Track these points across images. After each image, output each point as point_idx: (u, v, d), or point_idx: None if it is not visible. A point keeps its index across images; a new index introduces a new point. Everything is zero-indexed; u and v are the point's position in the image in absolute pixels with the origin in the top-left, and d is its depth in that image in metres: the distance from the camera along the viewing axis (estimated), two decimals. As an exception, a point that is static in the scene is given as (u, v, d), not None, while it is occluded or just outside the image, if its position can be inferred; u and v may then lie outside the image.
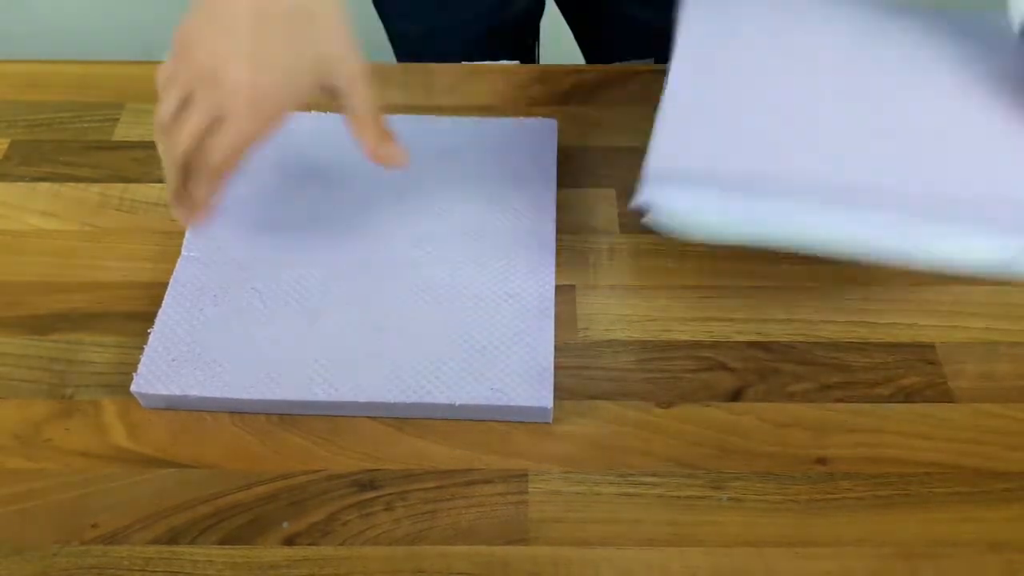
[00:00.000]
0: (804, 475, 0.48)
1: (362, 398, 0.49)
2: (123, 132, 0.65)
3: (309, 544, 0.45)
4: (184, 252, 0.55)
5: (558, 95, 0.68)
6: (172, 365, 0.50)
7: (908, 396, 0.51)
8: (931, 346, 0.53)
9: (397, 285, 0.54)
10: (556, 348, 0.53)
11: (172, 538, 0.45)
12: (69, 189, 0.61)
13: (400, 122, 0.53)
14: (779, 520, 0.46)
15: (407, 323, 0.52)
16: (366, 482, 0.47)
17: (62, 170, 0.63)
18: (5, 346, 0.53)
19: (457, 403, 0.49)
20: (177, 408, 0.50)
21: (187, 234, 0.56)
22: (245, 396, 0.49)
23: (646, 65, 0.71)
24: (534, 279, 0.54)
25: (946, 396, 0.51)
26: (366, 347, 0.51)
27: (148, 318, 0.54)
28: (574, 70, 0.70)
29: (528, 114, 0.67)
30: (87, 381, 0.51)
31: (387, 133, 0.48)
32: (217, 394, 0.49)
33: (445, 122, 0.63)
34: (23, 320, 0.54)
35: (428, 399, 0.49)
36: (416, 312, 0.52)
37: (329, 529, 0.46)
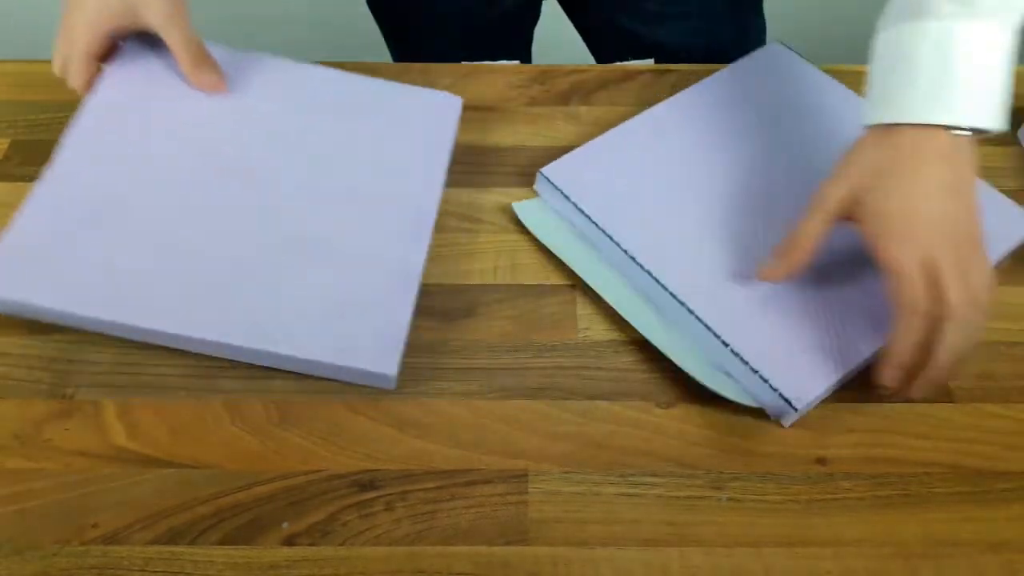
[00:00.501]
0: (804, 475, 0.48)
1: (210, 336, 0.49)
2: (123, 132, 0.65)
3: (309, 544, 0.45)
4: (69, 146, 0.55)
5: (558, 95, 0.68)
6: (22, 268, 0.49)
7: (908, 396, 0.51)
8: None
9: (268, 231, 0.53)
10: (555, 348, 0.53)
11: (172, 538, 0.45)
12: (69, 189, 0.61)
13: (311, 72, 0.62)
14: (779, 520, 0.46)
15: (270, 270, 0.51)
16: (366, 482, 0.47)
17: (62, 170, 0.62)
18: (5, 346, 0.53)
19: (301, 356, 0.48)
20: (18, 315, 0.50)
21: (79, 125, 0.56)
22: (89, 314, 0.48)
23: (646, 65, 0.71)
24: (405, 246, 0.54)
25: (946, 396, 0.51)
26: (224, 287, 0.50)
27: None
28: (574, 70, 0.70)
29: (528, 113, 0.67)
30: (87, 381, 0.51)
31: (206, 63, 0.59)
32: (61, 307, 0.48)
33: (355, 80, 0.63)
34: (23, 320, 0.54)
35: (272, 348, 0.48)
36: (281, 261, 0.52)
37: (329, 529, 0.46)
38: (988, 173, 0.63)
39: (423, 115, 0.61)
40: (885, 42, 0.49)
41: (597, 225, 0.55)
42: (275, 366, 0.50)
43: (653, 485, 0.48)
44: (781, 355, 0.49)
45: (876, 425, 0.50)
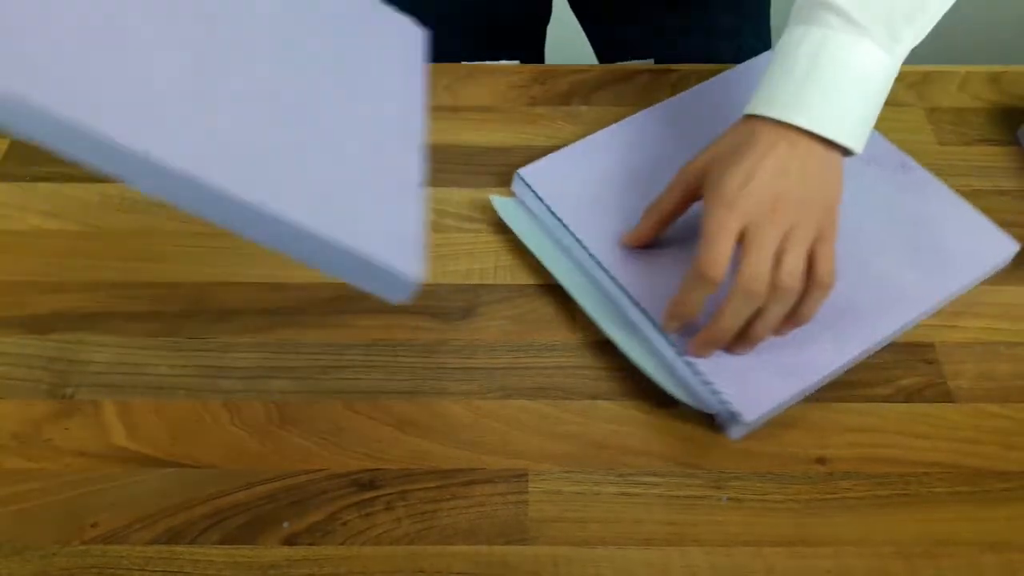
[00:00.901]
0: (804, 475, 0.48)
1: (203, 176, 0.36)
2: (123, 132, 0.65)
3: (309, 544, 0.45)
4: None
5: (558, 95, 0.68)
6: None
7: (908, 396, 0.51)
8: (931, 346, 0.53)
9: (267, 81, 0.43)
10: (555, 348, 0.53)
11: (172, 538, 0.45)
12: (69, 189, 0.61)
13: None
14: (779, 520, 0.46)
15: (290, 114, 0.42)
16: (366, 482, 0.47)
17: (62, 170, 0.63)
18: (5, 346, 0.53)
19: (314, 230, 0.38)
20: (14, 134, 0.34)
21: None
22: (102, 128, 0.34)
23: (646, 65, 0.71)
24: (401, 137, 0.46)
25: (946, 396, 0.51)
26: (242, 124, 0.40)
27: (148, 318, 0.54)
28: (574, 70, 0.70)
29: (528, 113, 0.67)
30: (87, 381, 0.51)
31: None
32: (83, 117, 0.34)
33: None
34: (23, 320, 0.54)
35: (274, 208, 0.37)
36: (284, 112, 0.42)
37: (329, 529, 0.46)
38: (988, 173, 0.63)
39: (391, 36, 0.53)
40: (780, 42, 0.50)
41: (567, 228, 0.56)
42: (268, 241, 0.39)
43: (653, 485, 0.48)
44: (735, 367, 0.49)
45: (876, 425, 0.50)
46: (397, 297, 0.41)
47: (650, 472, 0.48)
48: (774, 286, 0.46)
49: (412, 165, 0.45)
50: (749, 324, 0.48)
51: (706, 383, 0.49)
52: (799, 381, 0.49)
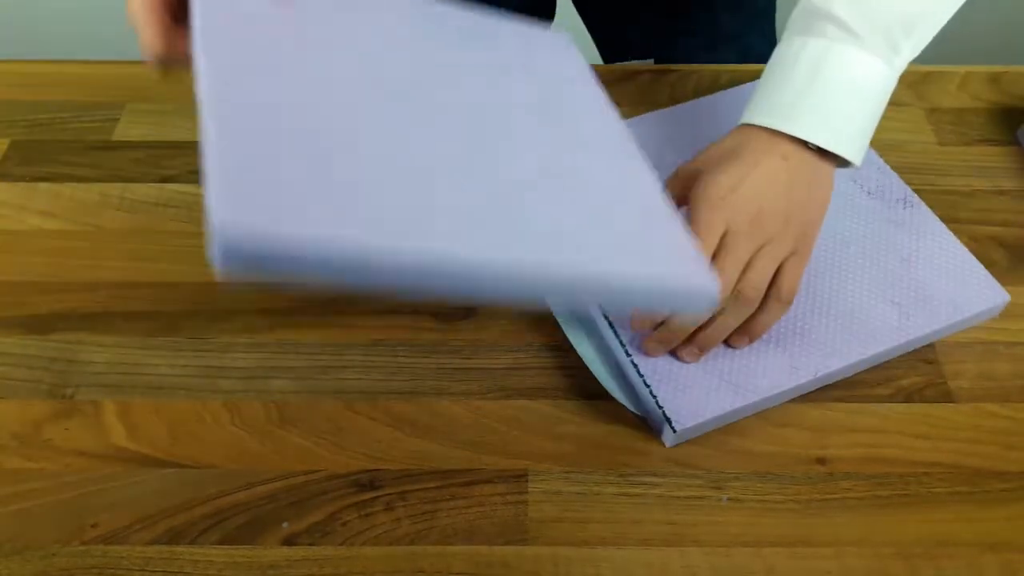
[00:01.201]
0: (804, 475, 0.48)
1: (525, 265, 0.35)
2: (123, 132, 0.65)
3: (309, 544, 0.45)
4: (210, 84, 0.35)
5: (558, 95, 0.68)
6: (269, 194, 0.31)
7: (908, 396, 0.51)
8: (931, 346, 0.53)
9: (500, 146, 0.42)
10: (555, 348, 0.53)
11: (172, 538, 0.45)
12: (69, 189, 0.61)
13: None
14: (779, 520, 0.46)
15: (528, 176, 0.40)
16: (366, 482, 0.47)
17: (62, 170, 0.63)
18: (5, 346, 0.53)
19: (617, 275, 0.38)
20: (267, 268, 0.30)
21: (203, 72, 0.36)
22: (384, 246, 0.32)
23: (646, 65, 0.71)
24: (632, 159, 0.46)
25: (946, 396, 0.51)
26: (508, 206, 0.38)
27: (148, 318, 0.54)
28: (574, 70, 0.70)
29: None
30: (87, 381, 0.51)
31: None
32: (344, 240, 0.31)
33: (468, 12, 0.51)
34: (23, 320, 0.54)
35: (594, 268, 0.37)
36: (534, 166, 0.41)
37: (329, 529, 0.46)
38: (988, 173, 0.63)
39: (541, 49, 0.52)
40: (776, 51, 0.50)
41: None
42: (544, 294, 0.39)
43: (653, 485, 0.48)
44: (679, 374, 0.49)
45: (876, 425, 0.50)
46: (697, 309, 0.42)
47: (650, 472, 0.48)
48: (734, 295, 0.46)
49: (644, 174, 0.45)
50: (701, 329, 0.48)
51: (646, 385, 0.49)
52: (738, 398, 0.48)
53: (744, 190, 0.47)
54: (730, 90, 0.65)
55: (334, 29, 0.44)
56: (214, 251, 0.29)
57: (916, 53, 0.48)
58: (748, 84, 0.65)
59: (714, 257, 0.46)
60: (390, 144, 0.38)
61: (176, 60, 0.45)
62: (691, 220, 0.47)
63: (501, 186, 0.39)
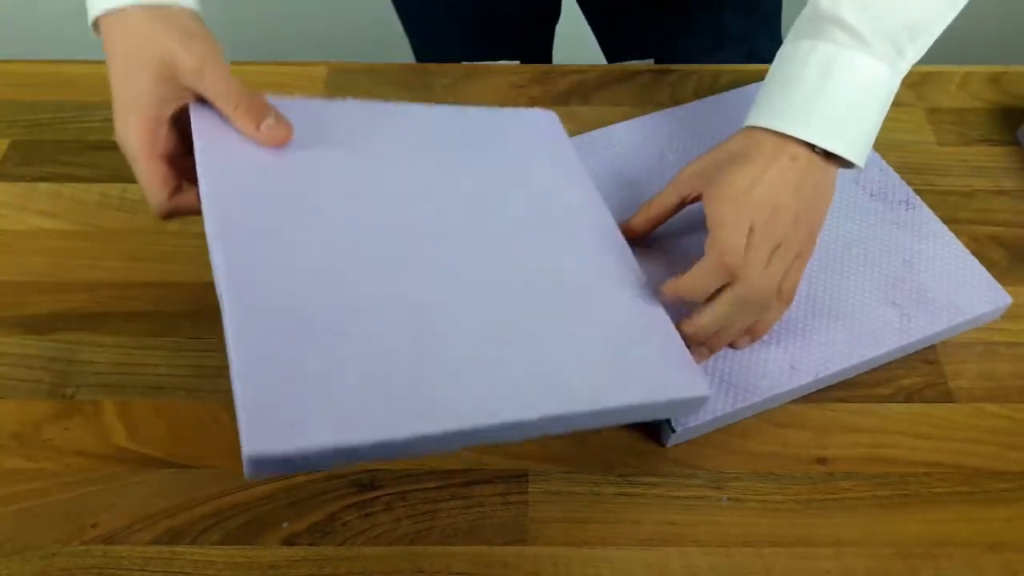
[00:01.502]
0: (804, 475, 0.48)
1: (527, 415, 0.40)
2: (123, 132, 0.65)
3: (309, 544, 0.45)
4: (227, 269, 0.40)
5: (558, 95, 0.68)
6: (285, 413, 0.36)
7: (908, 396, 0.51)
8: (931, 346, 0.53)
9: (491, 284, 0.45)
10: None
11: (172, 538, 0.45)
12: (69, 189, 0.61)
13: (411, 111, 0.52)
14: (779, 520, 0.46)
15: (527, 324, 0.44)
16: (366, 482, 0.47)
17: (62, 170, 0.63)
18: (5, 346, 0.53)
19: (627, 404, 0.42)
20: (295, 469, 0.36)
21: (217, 250, 0.41)
22: (397, 435, 0.37)
23: (646, 65, 0.71)
24: (615, 261, 0.49)
25: (946, 396, 0.51)
26: (504, 357, 0.42)
27: (148, 318, 0.54)
28: (573, 70, 0.70)
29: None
30: (87, 381, 0.51)
31: (260, 111, 0.46)
32: (361, 439, 0.36)
33: (448, 112, 0.55)
34: (23, 320, 0.54)
35: (597, 405, 0.41)
36: (529, 311, 0.44)
37: (329, 529, 0.46)
38: (988, 173, 0.63)
39: (532, 135, 0.56)
40: (782, 54, 0.50)
41: None
42: (557, 431, 0.42)
43: (653, 485, 0.48)
44: None
45: (876, 425, 0.50)
46: (691, 412, 0.46)
47: (650, 472, 0.48)
48: (743, 296, 0.46)
49: (630, 278, 0.49)
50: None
51: None
52: (738, 399, 0.48)
53: (760, 188, 0.47)
54: (732, 92, 0.65)
55: (332, 170, 0.48)
56: (245, 466, 0.34)
57: (919, 57, 0.49)
58: (750, 86, 0.65)
59: (745, 258, 0.46)
60: (396, 306, 0.42)
61: (181, 212, 0.47)
62: (715, 213, 0.47)
63: (503, 331, 0.43)
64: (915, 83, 0.69)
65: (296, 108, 0.48)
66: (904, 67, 0.48)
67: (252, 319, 0.39)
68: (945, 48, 0.58)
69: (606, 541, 0.46)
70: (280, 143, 0.46)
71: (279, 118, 0.46)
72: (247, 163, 0.45)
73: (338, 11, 1.45)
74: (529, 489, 0.47)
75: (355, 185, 0.47)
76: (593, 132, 0.62)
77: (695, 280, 0.47)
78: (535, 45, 0.88)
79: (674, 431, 0.47)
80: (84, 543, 0.45)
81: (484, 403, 0.39)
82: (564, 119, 0.66)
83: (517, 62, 0.72)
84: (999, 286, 0.53)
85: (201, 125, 0.46)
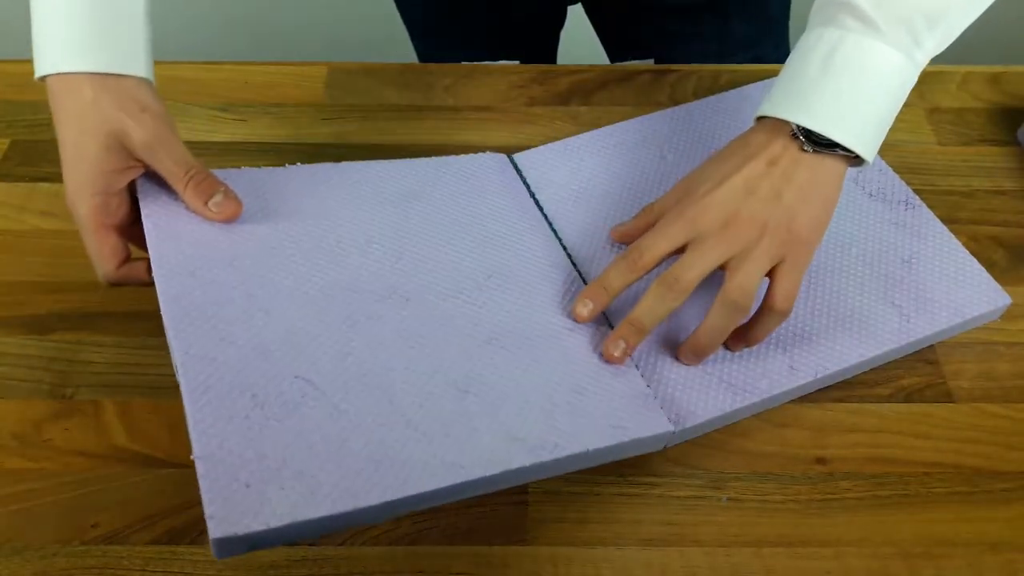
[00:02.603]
0: (804, 475, 0.48)
1: (491, 471, 0.41)
2: (123, 132, 0.65)
3: (309, 544, 0.45)
4: (182, 350, 0.42)
5: (558, 95, 0.68)
6: (250, 492, 0.37)
7: (908, 396, 0.51)
8: (931, 346, 0.53)
9: (448, 341, 0.46)
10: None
11: (172, 538, 0.45)
12: (69, 189, 0.61)
13: (358, 169, 0.54)
14: (778, 520, 0.46)
15: (486, 379, 0.45)
16: (366, 482, 0.47)
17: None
18: (5, 346, 0.53)
19: (590, 448, 0.43)
20: (266, 545, 0.37)
21: (172, 331, 0.43)
22: (362, 504, 0.38)
23: (646, 65, 0.71)
24: (565, 306, 0.50)
25: (945, 396, 0.51)
26: (464, 414, 0.43)
27: (148, 318, 0.54)
28: (573, 70, 0.70)
29: (528, 113, 0.67)
30: (87, 381, 0.51)
31: (209, 186, 0.47)
32: (326, 511, 0.37)
33: (399, 166, 0.56)
34: (23, 320, 0.54)
35: (561, 453, 0.42)
36: (488, 366, 0.46)
37: (329, 529, 0.46)
38: (988, 173, 0.63)
39: (483, 181, 0.58)
40: (797, 44, 0.49)
41: (545, 216, 0.56)
42: (525, 480, 0.43)
43: (653, 485, 0.48)
44: (677, 375, 0.49)
45: (876, 425, 0.50)
46: (656, 448, 0.47)
47: (650, 472, 0.48)
48: (722, 298, 0.45)
49: (592, 321, 0.49)
50: (696, 334, 0.47)
51: (646, 385, 0.48)
52: (737, 399, 0.48)
53: (716, 196, 0.46)
54: (732, 91, 0.65)
55: (283, 237, 0.49)
56: (212, 547, 0.35)
57: (941, 48, 0.47)
58: (750, 86, 0.65)
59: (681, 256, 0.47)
60: (354, 372, 0.43)
61: (130, 283, 0.49)
62: (664, 218, 0.48)
63: (464, 387, 0.44)
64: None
65: (244, 178, 0.50)
66: (922, 58, 0.46)
67: (209, 401, 0.40)
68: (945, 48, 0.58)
69: (606, 541, 0.46)
70: (229, 219, 0.48)
71: (227, 194, 0.48)
72: (197, 237, 0.47)
73: (338, 11, 1.45)
74: (529, 489, 0.47)
75: (308, 251, 0.48)
76: (593, 132, 0.62)
77: (604, 279, 0.48)
78: (540, 49, 0.88)
79: (673, 431, 0.47)
80: (84, 543, 0.45)
81: (447, 463, 0.40)
82: (564, 119, 0.66)
83: (517, 62, 0.72)
84: (999, 286, 0.53)
85: (148, 200, 0.47)
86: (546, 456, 0.42)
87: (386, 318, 0.46)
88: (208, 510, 0.36)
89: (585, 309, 0.48)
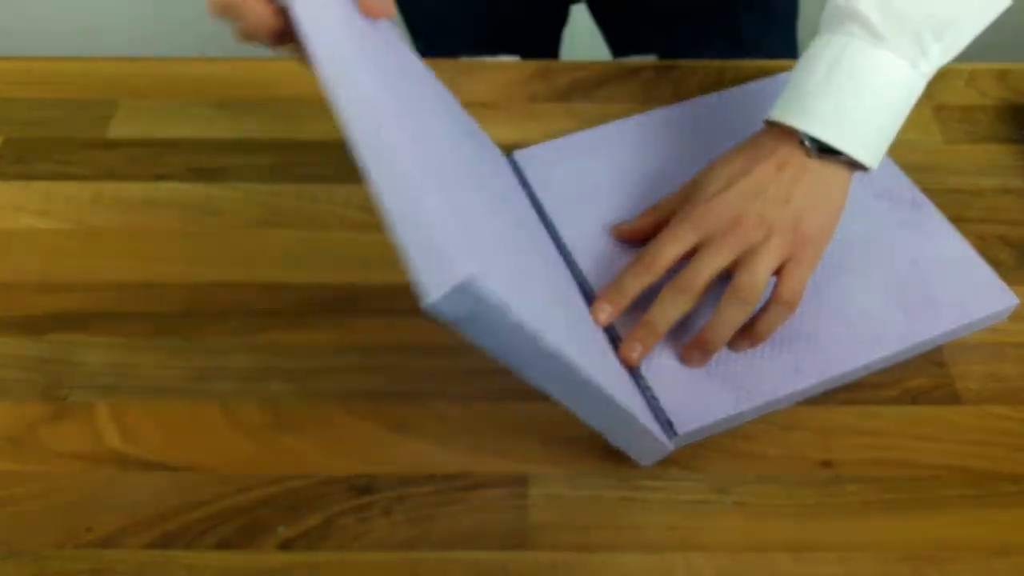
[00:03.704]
0: (810, 478, 0.47)
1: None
2: (117, 130, 0.65)
3: (305, 549, 0.45)
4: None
5: (559, 91, 0.68)
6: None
7: (915, 398, 0.50)
8: (937, 347, 0.52)
9: None
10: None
11: (167, 542, 0.45)
12: (63, 188, 0.61)
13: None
14: (784, 524, 0.46)
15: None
16: (363, 486, 0.47)
17: (56, 168, 0.62)
18: (-2, 347, 0.52)
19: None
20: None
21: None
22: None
23: (648, 61, 0.71)
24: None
25: (953, 398, 0.51)
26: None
27: (143, 319, 0.53)
28: (575, 67, 0.70)
29: (529, 109, 0.66)
30: (81, 383, 0.51)
31: None
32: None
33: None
34: (17, 320, 0.53)
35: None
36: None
37: (325, 534, 0.45)
38: (995, 171, 0.62)
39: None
40: (806, 51, 0.49)
41: (545, 213, 0.56)
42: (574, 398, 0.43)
43: (656, 489, 0.47)
44: (680, 377, 0.48)
45: (882, 428, 0.49)
46: (649, 460, 0.47)
47: (652, 476, 0.47)
48: (730, 293, 0.46)
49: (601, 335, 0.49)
50: (703, 330, 0.47)
51: (646, 388, 0.48)
52: (742, 402, 0.48)
53: (724, 198, 0.47)
54: (735, 88, 0.64)
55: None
56: (438, 297, 0.29)
57: (948, 58, 0.47)
58: (755, 82, 0.64)
59: (692, 259, 0.47)
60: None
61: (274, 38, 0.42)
62: (671, 221, 0.48)
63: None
64: (921, 79, 0.68)
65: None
66: (928, 69, 0.46)
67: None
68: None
69: (608, 546, 0.45)
70: (377, 14, 0.42)
71: None
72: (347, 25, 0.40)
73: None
74: (529, 493, 0.47)
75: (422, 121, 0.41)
76: (595, 128, 0.61)
77: (619, 285, 0.49)
78: (542, 50, 0.87)
79: (676, 435, 0.46)
80: (78, 547, 0.45)
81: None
82: (566, 116, 0.66)
83: (517, 58, 0.72)
84: (1007, 288, 0.52)
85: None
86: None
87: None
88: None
89: (603, 314, 0.49)
